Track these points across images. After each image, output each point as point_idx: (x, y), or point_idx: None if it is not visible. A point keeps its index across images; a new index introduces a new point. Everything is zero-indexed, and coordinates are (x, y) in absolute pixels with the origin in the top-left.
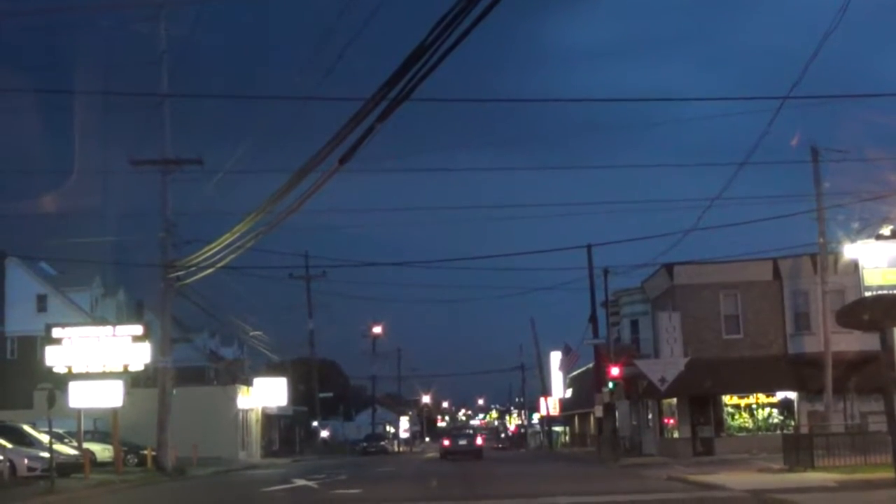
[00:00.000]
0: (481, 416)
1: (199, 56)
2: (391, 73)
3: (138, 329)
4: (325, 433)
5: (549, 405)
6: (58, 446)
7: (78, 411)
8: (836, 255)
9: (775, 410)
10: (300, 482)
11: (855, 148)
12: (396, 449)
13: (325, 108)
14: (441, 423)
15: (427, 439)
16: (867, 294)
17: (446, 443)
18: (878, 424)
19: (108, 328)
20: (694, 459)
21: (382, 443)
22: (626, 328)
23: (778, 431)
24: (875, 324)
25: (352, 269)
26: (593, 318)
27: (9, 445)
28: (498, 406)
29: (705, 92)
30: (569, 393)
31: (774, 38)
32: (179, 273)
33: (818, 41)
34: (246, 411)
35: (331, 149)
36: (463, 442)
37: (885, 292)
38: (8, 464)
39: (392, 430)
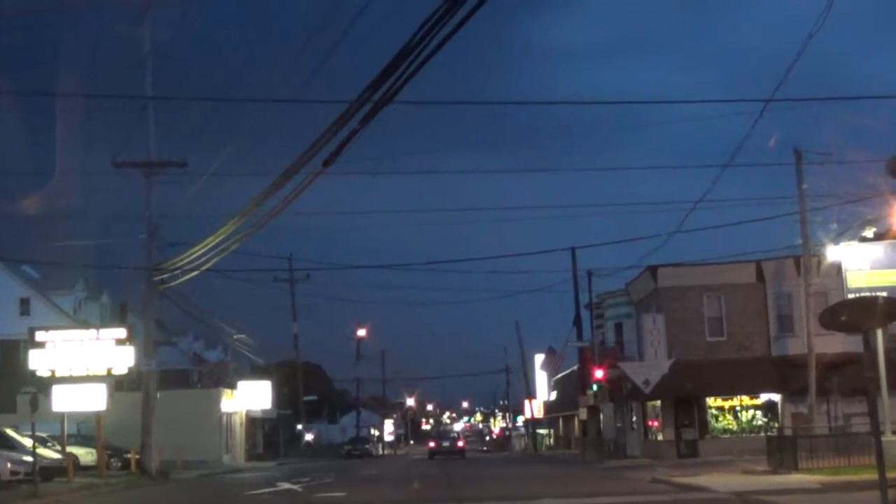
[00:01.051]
0: (466, 418)
1: (183, 58)
2: (375, 76)
3: (122, 332)
4: (309, 436)
5: (534, 407)
6: (41, 450)
7: (61, 415)
8: (820, 258)
9: (759, 412)
10: (285, 485)
11: (838, 150)
12: (381, 452)
13: (310, 110)
14: (426, 426)
15: (412, 442)
16: (850, 296)
17: (432, 444)
18: (861, 426)
19: (92, 331)
20: (678, 461)
21: (367, 446)
22: (610, 330)
23: (762, 433)
24: (854, 325)
25: (336, 271)
26: (577, 321)
27: None
28: (482, 409)
29: (690, 93)
30: (553, 395)
31: (759, 39)
32: (163, 276)
33: (802, 43)
34: (230, 414)
35: (315, 151)
36: (447, 444)
37: (865, 294)
38: None
39: (377, 432)
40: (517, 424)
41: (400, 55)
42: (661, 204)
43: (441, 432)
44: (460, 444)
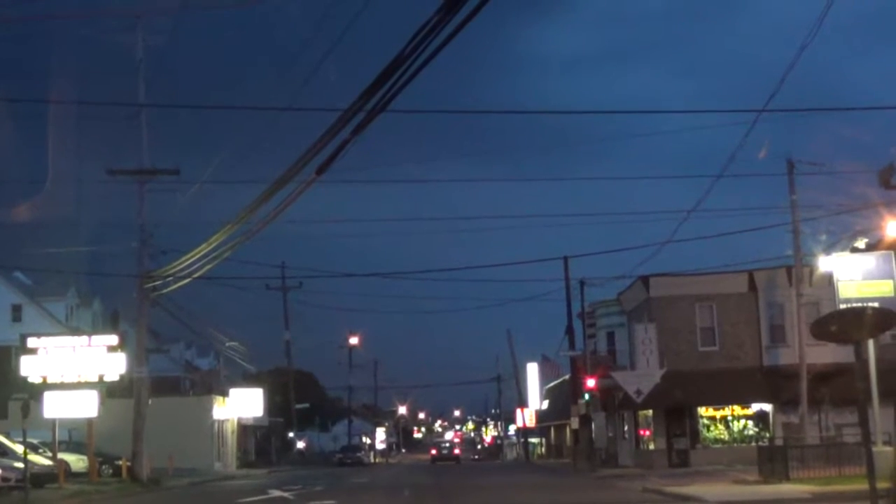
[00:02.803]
0: (458, 427)
1: (176, 66)
2: (368, 84)
3: (114, 339)
4: (301, 444)
5: (526, 416)
6: (32, 457)
7: (53, 421)
8: (812, 268)
9: (750, 422)
10: (275, 493)
11: (830, 160)
12: (373, 460)
13: (303, 118)
14: (417, 435)
15: (403, 450)
16: (842, 307)
17: (434, 452)
18: (852, 436)
19: (84, 338)
20: (669, 471)
21: (359, 454)
22: (602, 340)
23: (753, 443)
24: (845, 336)
25: (329, 279)
26: (569, 330)
27: None
28: (474, 417)
29: (682, 101)
30: (545, 404)
31: (752, 48)
32: (155, 283)
33: (795, 52)
34: (222, 422)
35: (308, 159)
36: (445, 451)
37: (856, 304)
38: None
39: (368, 440)
40: (509, 433)
41: (393, 64)
42: (654, 214)
43: (440, 443)
44: (456, 451)
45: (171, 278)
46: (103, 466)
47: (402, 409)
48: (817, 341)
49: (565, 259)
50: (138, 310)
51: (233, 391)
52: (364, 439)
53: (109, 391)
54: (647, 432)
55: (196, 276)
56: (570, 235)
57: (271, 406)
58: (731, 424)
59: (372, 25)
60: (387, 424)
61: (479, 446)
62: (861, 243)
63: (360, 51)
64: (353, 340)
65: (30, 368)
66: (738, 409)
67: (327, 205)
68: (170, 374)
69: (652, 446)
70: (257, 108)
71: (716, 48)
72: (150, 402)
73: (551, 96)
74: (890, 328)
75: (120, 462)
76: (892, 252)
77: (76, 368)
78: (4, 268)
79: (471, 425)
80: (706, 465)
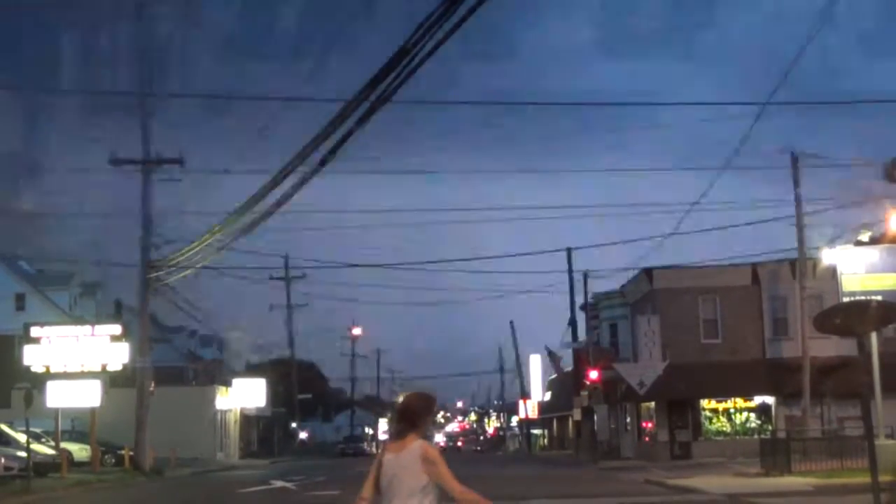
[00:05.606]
0: (460, 418)
1: (181, 56)
2: (372, 76)
3: (117, 329)
4: (303, 434)
5: (528, 408)
6: (35, 446)
7: (56, 411)
8: (815, 261)
9: (753, 415)
10: (278, 483)
11: (835, 154)
12: (375, 451)
13: (308, 109)
14: None
15: None
16: (845, 300)
17: (442, 444)
18: (854, 429)
19: (87, 328)
20: (672, 463)
21: (361, 444)
22: (605, 332)
23: (755, 436)
24: (848, 329)
25: (332, 270)
26: (573, 322)
27: None
28: (477, 409)
29: (687, 92)
30: (548, 396)
31: (759, 38)
32: (159, 273)
33: (801, 44)
34: (224, 412)
35: (312, 150)
36: (451, 444)
37: (860, 298)
38: None
39: (371, 431)
40: (511, 425)
41: (397, 56)
42: (658, 206)
43: (449, 436)
44: (459, 443)
45: (174, 268)
46: (106, 456)
47: None
48: (820, 334)
49: (568, 251)
50: (141, 299)
51: (236, 381)
52: (366, 430)
53: (112, 381)
54: (650, 424)
55: (200, 265)
56: (573, 227)
57: (274, 396)
58: (733, 417)
59: (377, 17)
60: (389, 415)
61: (480, 437)
62: (865, 236)
63: (365, 42)
64: (356, 331)
65: (33, 358)
66: (740, 402)
67: (332, 195)
68: (173, 364)
69: (654, 438)
70: (263, 98)
71: (722, 39)
72: (152, 391)
73: (555, 86)
74: (894, 321)
75: (122, 451)
76: None
77: (79, 358)
78: (8, 257)
79: (473, 417)
80: (708, 457)
